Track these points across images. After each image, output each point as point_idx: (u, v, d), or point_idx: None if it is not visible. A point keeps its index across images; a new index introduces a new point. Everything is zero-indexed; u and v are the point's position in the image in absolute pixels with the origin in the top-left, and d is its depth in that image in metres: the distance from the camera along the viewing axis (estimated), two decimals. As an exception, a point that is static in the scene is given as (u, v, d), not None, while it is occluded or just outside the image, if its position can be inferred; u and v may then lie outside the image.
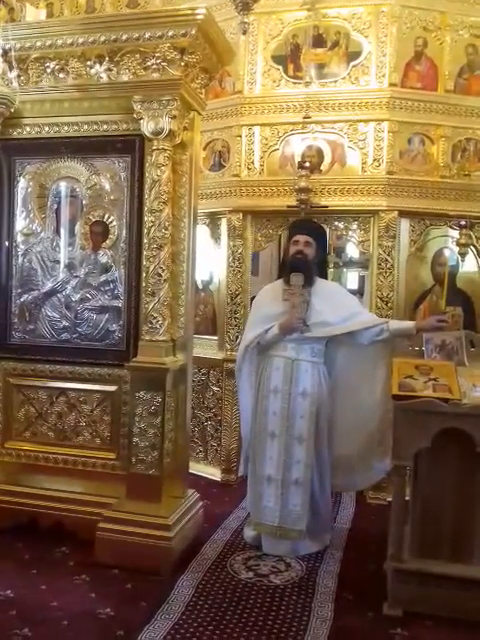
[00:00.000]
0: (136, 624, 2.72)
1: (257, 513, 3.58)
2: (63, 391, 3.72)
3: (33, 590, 3.01)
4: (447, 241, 4.59)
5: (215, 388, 4.94)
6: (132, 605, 2.90)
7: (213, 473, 4.88)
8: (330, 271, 8.67)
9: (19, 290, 3.78)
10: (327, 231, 6.20)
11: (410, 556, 2.98)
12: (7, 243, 3.78)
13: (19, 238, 3.78)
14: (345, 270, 9.27)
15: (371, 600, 2.99)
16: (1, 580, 3.08)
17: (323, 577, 3.29)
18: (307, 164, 4.54)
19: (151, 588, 3.05)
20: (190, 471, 3.93)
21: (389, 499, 3.78)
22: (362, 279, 8.73)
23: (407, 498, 3.09)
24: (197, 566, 3.34)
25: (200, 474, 4.77)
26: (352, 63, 4.57)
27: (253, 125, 4.76)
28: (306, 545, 3.55)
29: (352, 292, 6.71)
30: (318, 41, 4.64)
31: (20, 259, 3.78)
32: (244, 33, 3.35)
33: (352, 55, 4.58)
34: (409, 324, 3.63)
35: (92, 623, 2.73)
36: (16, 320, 3.79)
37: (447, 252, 4.59)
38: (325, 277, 4.02)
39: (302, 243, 3.64)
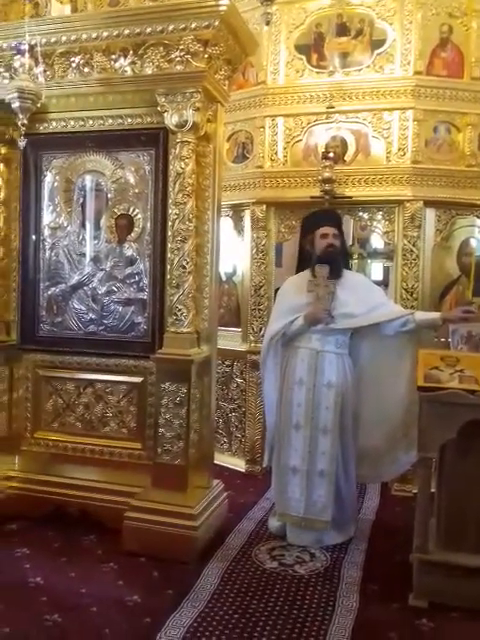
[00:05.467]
0: (163, 611, 2.76)
1: (282, 504, 3.60)
2: (90, 382, 3.78)
3: (63, 577, 3.07)
4: (474, 231, 4.52)
5: (239, 380, 4.96)
6: (159, 593, 2.95)
7: (237, 464, 4.91)
8: (354, 262, 8.64)
9: (47, 283, 3.84)
10: (351, 222, 6.20)
11: (436, 548, 2.97)
12: (34, 237, 3.84)
13: (46, 232, 3.83)
14: (369, 261, 9.19)
15: (396, 591, 3.00)
16: (32, 567, 3.16)
17: (348, 568, 3.30)
18: (331, 154, 4.51)
19: (177, 576, 3.10)
20: (214, 462, 3.96)
21: (414, 491, 3.78)
22: (387, 270, 8.65)
23: (433, 490, 3.08)
24: (222, 555, 3.38)
25: (224, 465, 4.80)
26: (376, 51, 4.52)
27: (276, 116, 4.74)
28: (331, 536, 3.57)
29: (377, 283, 6.65)
30: (342, 29, 4.60)
31: (47, 253, 3.83)
32: (267, 24, 3.35)
33: (376, 43, 4.53)
34: (435, 315, 3.59)
35: (120, 610, 2.79)
36: (44, 313, 3.85)
37: (474, 242, 4.53)
38: (348, 268, 4.00)
39: (331, 236, 3.62)
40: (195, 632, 2.62)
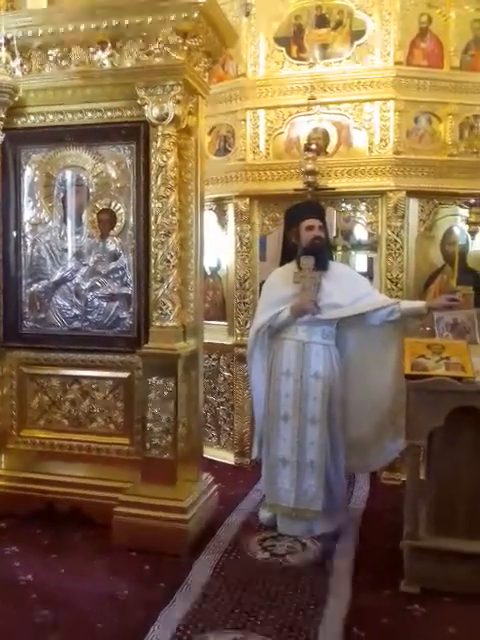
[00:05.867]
0: (156, 605, 2.75)
1: (272, 495, 3.60)
2: (76, 379, 3.75)
3: (53, 574, 3.05)
4: (457, 220, 4.55)
5: (226, 373, 4.96)
6: (151, 587, 2.94)
7: (226, 457, 4.92)
8: (338, 254, 8.65)
9: (29, 280, 3.80)
10: (334, 214, 6.21)
11: (426, 534, 2.99)
12: (15, 233, 3.79)
13: (27, 228, 3.79)
14: (353, 253, 9.20)
15: (388, 578, 3.01)
16: (21, 565, 3.13)
17: (339, 556, 3.31)
18: (313, 146, 4.51)
19: (169, 570, 3.09)
20: (204, 455, 3.95)
21: (403, 479, 3.80)
22: (371, 261, 8.68)
23: (422, 477, 3.10)
24: (213, 548, 3.37)
25: (213, 458, 4.79)
26: (356, 42, 4.53)
27: (257, 108, 4.73)
28: (321, 525, 3.57)
29: (361, 275, 6.69)
30: (321, 21, 4.60)
31: (29, 249, 3.79)
32: (247, 15, 3.36)
33: (356, 34, 4.54)
34: (420, 304, 3.61)
35: (112, 604, 2.77)
36: (27, 310, 3.81)
37: (457, 231, 4.56)
38: (332, 259, 4.01)
39: (317, 228, 3.63)
40: (188, 624, 2.61)
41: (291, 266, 3.67)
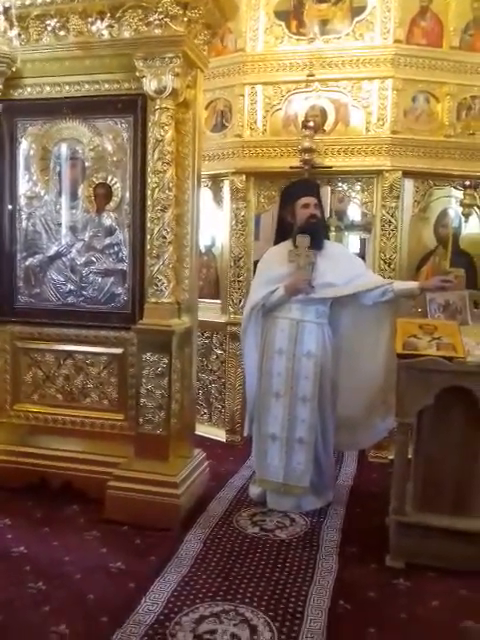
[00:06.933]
0: (147, 577, 2.80)
1: (262, 470, 3.65)
2: (70, 354, 3.76)
3: (46, 546, 3.09)
4: (451, 202, 4.56)
5: (219, 351, 4.98)
6: (142, 559, 2.99)
7: (218, 434, 4.96)
8: (332, 235, 8.65)
9: (24, 254, 3.78)
10: (328, 194, 6.19)
11: (412, 510, 3.05)
12: (10, 206, 3.76)
13: (22, 201, 3.75)
14: (346, 233, 9.21)
15: (374, 553, 3.08)
16: (14, 537, 3.17)
17: (327, 531, 3.38)
18: (311, 124, 4.48)
19: (160, 543, 3.14)
20: (196, 432, 3.99)
21: (391, 457, 3.87)
22: (363, 242, 8.69)
23: (409, 457, 3.15)
24: (204, 522, 3.42)
25: (205, 435, 4.83)
26: (356, 19, 4.48)
27: (255, 84, 4.68)
28: (310, 501, 3.64)
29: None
30: (322, -5, 4.54)
31: (24, 223, 3.76)
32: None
33: (356, 10, 4.49)
34: (413, 284, 3.64)
35: (104, 576, 2.82)
36: (22, 284, 3.80)
37: (451, 213, 4.57)
38: (328, 238, 4.02)
39: (312, 206, 3.62)
40: (179, 596, 2.66)
41: (286, 244, 3.67)
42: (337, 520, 3.53)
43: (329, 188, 4.87)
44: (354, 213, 8.51)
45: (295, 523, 3.47)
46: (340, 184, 4.70)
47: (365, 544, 3.21)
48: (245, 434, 4.18)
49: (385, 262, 4.51)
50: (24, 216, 3.76)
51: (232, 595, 2.69)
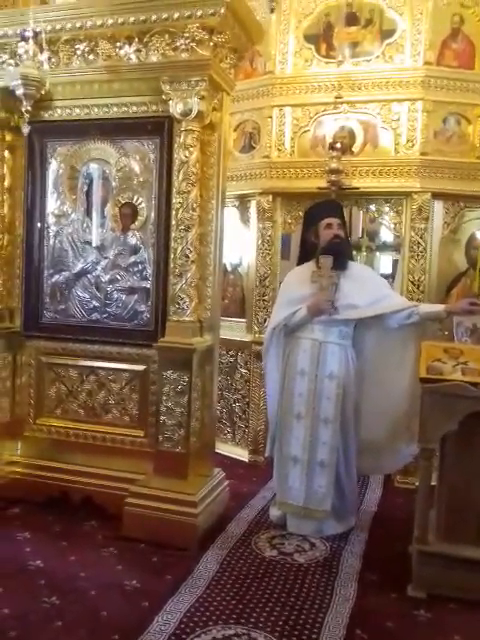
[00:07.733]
0: (161, 596, 2.78)
1: (282, 493, 3.60)
2: (93, 370, 3.80)
3: (62, 561, 3.10)
4: (483, 224, 4.49)
5: (243, 370, 4.97)
6: (158, 578, 2.97)
7: (240, 454, 4.93)
8: (363, 255, 8.60)
9: (51, 271, 3.86)
10: (360, 214, 6.15)
11: (436, 539, 2.97)
12: (39, 225, 3.85)
13: (50, 219, 3.84)
14: (378, 254, 9.14)
15: (395, 582, 2.99)
16: (32, 551, 3.19)
17: (347, 557, 3.30)
18: (338, 145, 4.49)
19: (176, 562, 3.11)
20: (218, 451, 3.99)
21: (417, 483, 3.76)
22: (395, 263, 8.60)
23: (433, 483, 3.07)
24: (222, 543, 3.39)
25: (228, 454, 4.82)
26: (386, 41, 4.49)
27: (284, 106, 4.72)
28: (331, 525, 3.57)
29: (385, 276, 6.60)
30: (351, 19, 4.57)
31: (52, 240, 3.85)
32: (272, 11, 3.34)
33: (386, 33, 4.50)
34: (439, 307, 3.57)
35: (118, 594, 2.81)
36: (48, 300, 3.87)
37: (482, 235, 4.50)
38: (352, 259, 3.99)
39: (336, 226, 3.62)
40: (192, 617, 2.63)
41: (310, 265, 3.66)
42: (359, 546, 3.45)
43: (359, 210, 4.84)
44: (386, 234, 8.44)
45: (315, 548, 3.41)
46: (369, 205, 4.68)
47: (387, 572, 3.12)
48: (267, 455, 4.14)
49: (413, 283, 4.45)
50: (52, 234, 3.84)
51: (245, 619, 2.64)
